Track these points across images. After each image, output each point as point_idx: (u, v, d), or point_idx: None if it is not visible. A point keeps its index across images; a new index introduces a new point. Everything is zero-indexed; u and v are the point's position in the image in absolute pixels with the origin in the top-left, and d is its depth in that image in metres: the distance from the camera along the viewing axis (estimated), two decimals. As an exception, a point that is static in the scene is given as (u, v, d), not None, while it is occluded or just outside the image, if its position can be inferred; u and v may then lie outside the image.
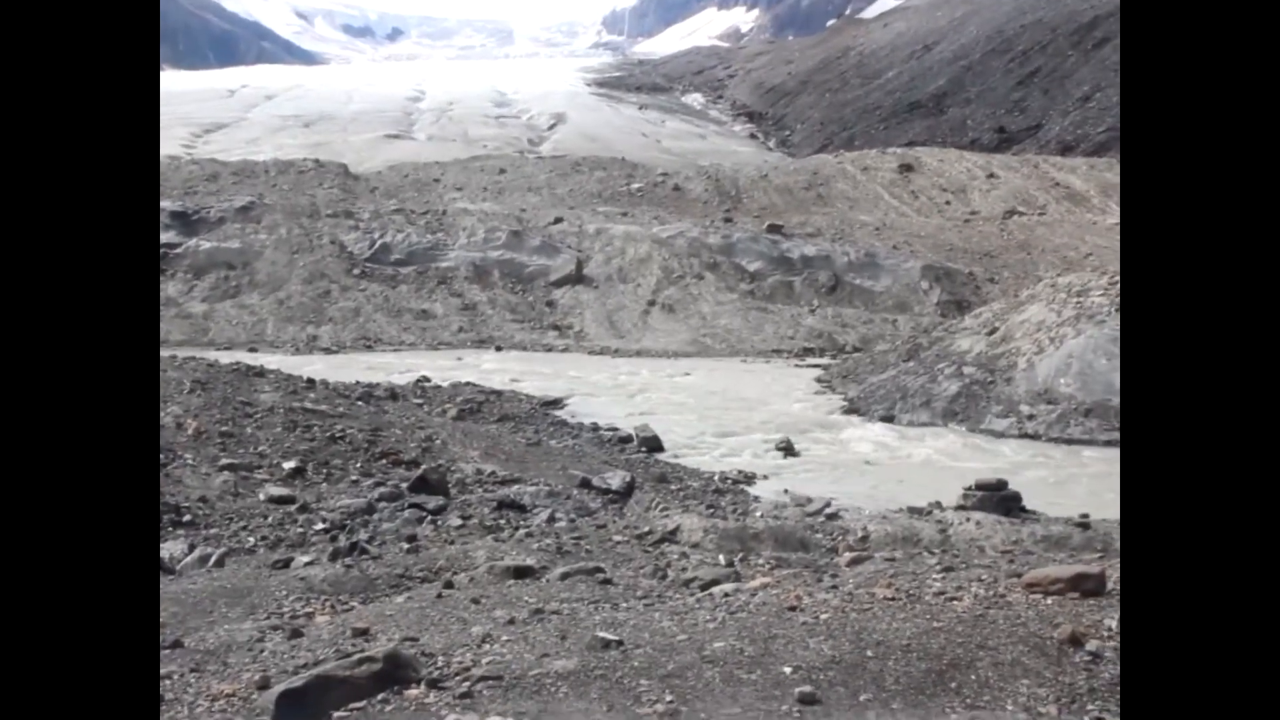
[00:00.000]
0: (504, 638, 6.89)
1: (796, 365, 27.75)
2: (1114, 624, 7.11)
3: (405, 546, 10.61)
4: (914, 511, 13.42)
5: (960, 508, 13.53)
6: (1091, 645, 6.80)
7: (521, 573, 9.20)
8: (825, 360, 28.01)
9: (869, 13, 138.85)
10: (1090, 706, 6.13)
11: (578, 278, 34.71)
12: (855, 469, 17.20)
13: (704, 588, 8.83)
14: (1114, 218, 41.27)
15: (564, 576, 9.12)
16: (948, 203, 43.69)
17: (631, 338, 31.23)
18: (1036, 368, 20.49)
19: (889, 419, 20.37)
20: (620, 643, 6.66)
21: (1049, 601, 7.52)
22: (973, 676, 6.32)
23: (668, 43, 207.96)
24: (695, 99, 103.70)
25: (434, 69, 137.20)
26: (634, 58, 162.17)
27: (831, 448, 18.57)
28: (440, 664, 6.39)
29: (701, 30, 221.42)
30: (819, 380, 24.57)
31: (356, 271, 34.61)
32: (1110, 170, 47.27)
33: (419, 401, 19.56)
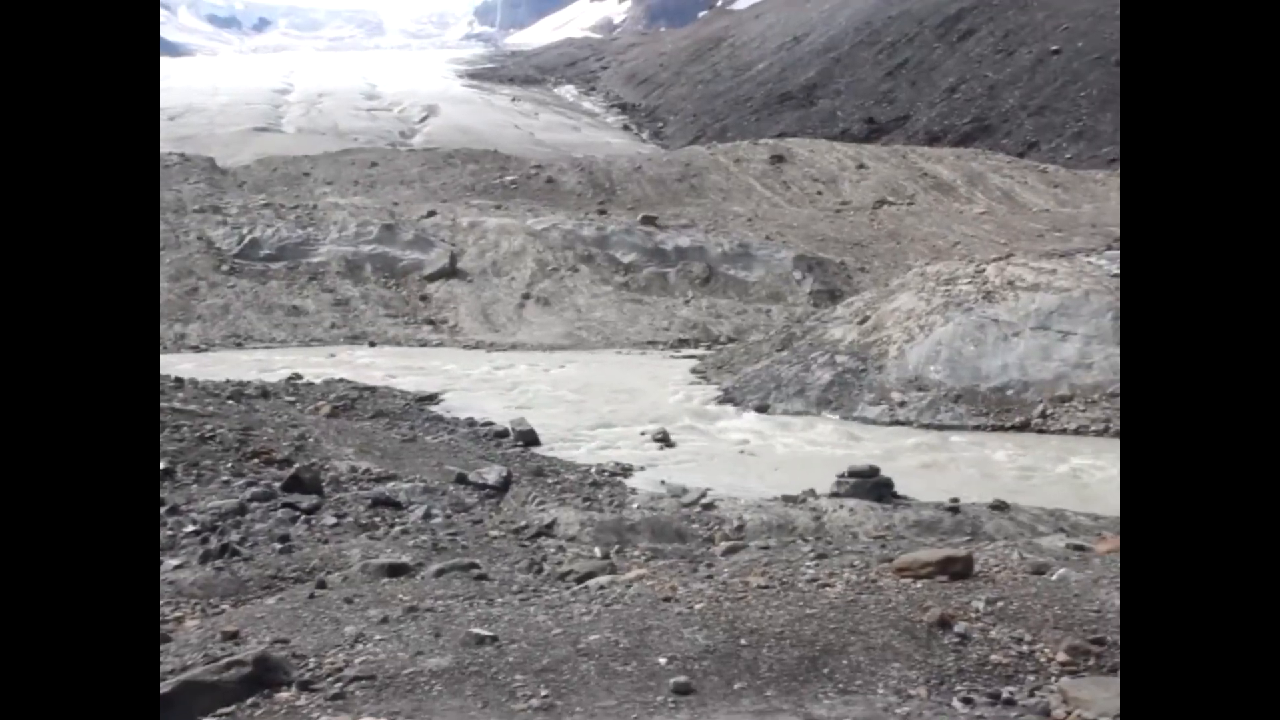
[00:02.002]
0: (377, 637, 6.82)
1: (672, 356, 27.86)
2: (981, 605, 7.26)
3: (278, 547, 10.44)
4: (789, 500, 13.56)
5: (834, 495, 13.72)
6: (960, 627, 6.94)
7: (396, 570, 9.12)
8: (700, 351, 28.16)
9: (740, 4, 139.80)
10: (959, 687, 6.25)
11: (451, 271, 34.46)
12: (731, 459, 17.32)
13: (580, 581, 8.83)
14: (980, 206, 42.07)
15: (439, 573, 9.06)
16: (819, 193, 44.18)
17: (507, 331, 31.09)
18: (907, 355, 20.82)
19: (764, 408, 20.55)
20: (495, 638, 6.64)
21: (919, 585, 7.66)
22: (844, 661, 6.41)
23: (540, 34, 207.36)
24: (568, 91, 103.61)
25: (303, 60, 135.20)
26: (506, 49, 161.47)
27: (707, 438, 18.68)
28: (312, 665, 6.30)
29: (574, 21, 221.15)
30: (694, 371, 24.70)
31: (225, 268, 33.97)
32: (976, 160, 48.18)
33: (291, 399, 19.26)
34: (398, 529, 11.41)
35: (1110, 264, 26.95)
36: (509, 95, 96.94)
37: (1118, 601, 7.39)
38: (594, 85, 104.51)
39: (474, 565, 9.43)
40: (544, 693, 5.87)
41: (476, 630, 6.76)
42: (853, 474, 14.05)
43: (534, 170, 46.17)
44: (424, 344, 29.92)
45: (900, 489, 14.11)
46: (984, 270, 23.13)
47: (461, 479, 13.84)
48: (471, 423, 18.73)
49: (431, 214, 38.04)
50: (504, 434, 17.85)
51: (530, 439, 17.57)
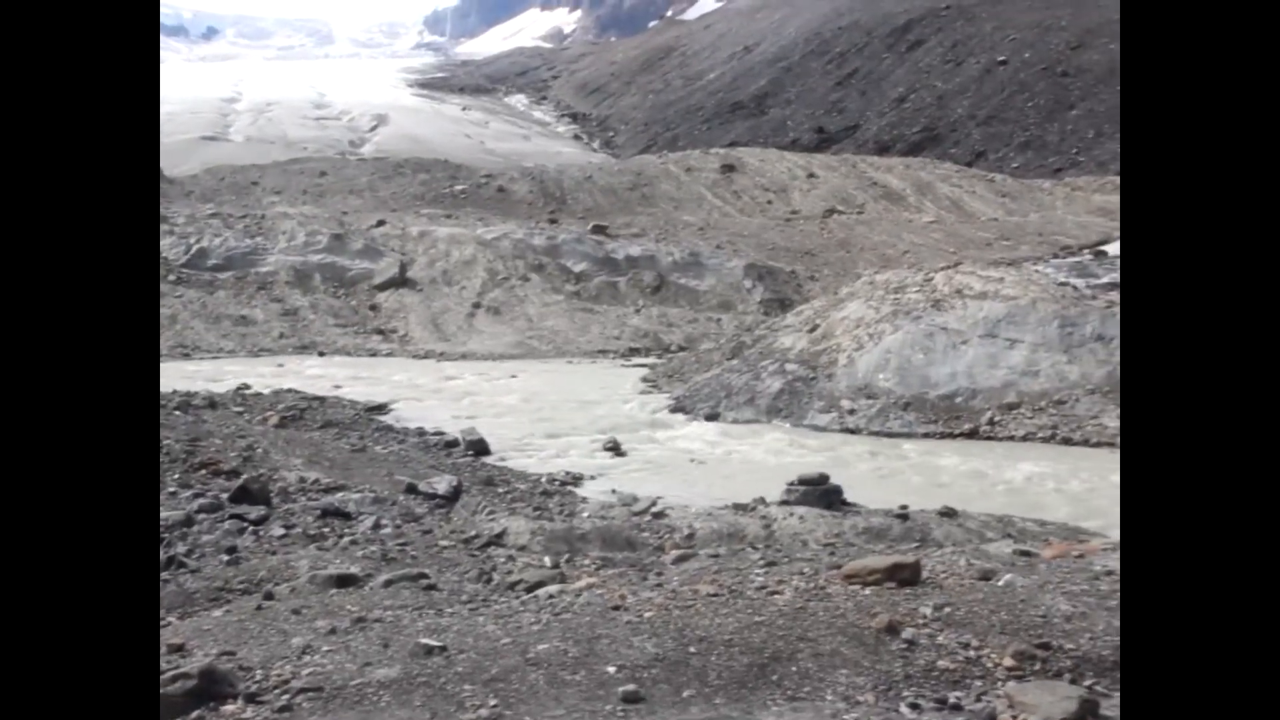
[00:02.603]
0: (325, 648, 6.77)
1: (623, 365, 27.87)
2: (929, 611, 7.30)
3: (225, 559, 10.35)
4: (739, 508, 13.58)
5: (784, 503, 13.74)
6: (907, 633, 6.98)
7: (344, 581, 9.07)
8: (651, 360, 28.19)
9: (690, 14, 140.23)
10: (906, 692, 6.28)
11: (401, 281, 34.34)
12: (682, 467, 17.34)
13: (529, 590, 8.82)
14: (929, 215, 42.37)
15: (388, 584, 9.02)
16: (769, 202, 44.34)
17: (457, 340, 31.00)
18: (856, 363, 20.93)
19: (714, 417, 20.59)
20: (444, 648, 6.61)
21: (867, 592, 7.69)
22: (793, 668, 6.42)
23: (491, 43, 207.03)
24: (519, 100, 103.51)
25: (251, 69, 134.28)
26: (457, 58, 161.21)
27: (658, 447, 18.69)
28: (259, 677, 6.25)
29: (525, 31, 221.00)
30: (645, 380, 24.72)
31: (172, 278, 33.69)
32: (924, 169, 48.53)
33: (239, 410, 19.11)
34: (347, 540, 11.35)
35: (1056, 272, 27.22)
36: (459, 104, 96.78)
37: (1064, 606, 7.46)
38: (545, 94, 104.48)
39: (423, 575, 9.40)
40: (493, 702, 5.86)
41: (425, 640, 6.73)
42: (803, 482, 14.08)
43: (484, 179, 46.09)
44: (374, 354, 29.79)
45: (850, 496, 14.16)
46: (932, 279, 23.31)
47: (411, 489, 13.78)
48: (421, 432, 18.67)
49: (381, 223, 37.89)
50: (454, 443, 17.80)
51: (481, 448, 17.53)
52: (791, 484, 14.12)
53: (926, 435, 19.16)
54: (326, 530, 11.76)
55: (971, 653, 6.77)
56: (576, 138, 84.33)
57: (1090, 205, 43.86)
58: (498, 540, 11.60)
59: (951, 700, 6.21)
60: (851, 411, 19.90)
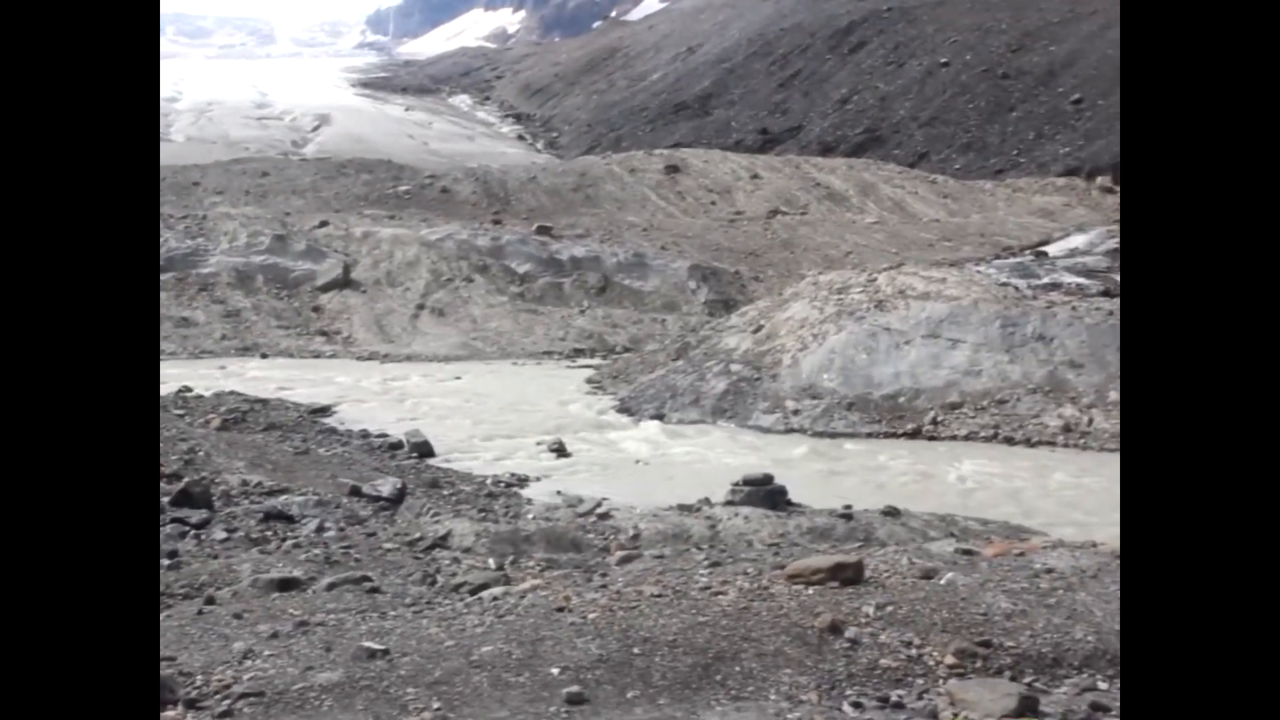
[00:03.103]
0: (267, 652, 6.73)
1: (568, 366, 27.83)
2: (871, 610, 7.36)
3: (166, 563, 10.25)
4: (684, 509, 13.63)
5: (729, 503, 13.80)
6: (850, 632, 7.03)
7: (287, 585, 9.01)
8: (596, 361, 28.15)
9: (634, 15, 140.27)
10: (849, 691, 6.34)
11: (345, 282, 34.09)
12: (627, 468, 17.36)
13: (473, 592, 8.80)
14: (872, 216, 42.59)
15: (330, 587, 8.98)
16: (713, 203, 44.40)
17: (401, 342, 30.82)
18: (801, 364, 21.02)
19: (659, 417, 20.62)
20: (386, 652, 6.59)
21: (810, 591, 7.74)
22: (737, 668, 6.46)
23: (434, 43, 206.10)
24: (462, 100, 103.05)
25: (192, 68, 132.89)
26: (400, 58, 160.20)
27: (603, 448, 18.70)
28: (199, 683, 6.21)
29: (468, 31, 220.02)
30: (590, 381, 24.70)
31: (112, 279, 33.24)
32: (867, 170, 48.77)
33: (180, 413, 18.92)
34: (289, 543, 11.28)
35: (998, 272, 27.49)
36: (402, 105, 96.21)
37: (1004, 604, 7.53)
38: (488, 95, 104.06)
39: (367, 578, 9.36)
40: (436, 705, 5.85)
41: (368, 644, 6.71)
42: (747, 482, 14.14)
43: (428, 180, 45.83)
44: (317, 355, 29.57)
45: (794, 496, 14.23)
46: (876, 279, 23.45)
47: (355, 492, 13.72)
48: (365, 435, 18.57)
49: (324, 224, 37.60)
50: (399, 446, 17.72)
51: (425, 450, 17.46)
52: (736, 484, 14.18)
53: (870, 435, 19.27)
54: (269, 534, 11.69)
55: (913, 651, 6.83)
56: (520, 138, 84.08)
57: (1031, 206, 44.26)
58: (442, 542, 11.57)
59: (894, 699, 6.26)
60: (796, 412, 19.99)
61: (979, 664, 6.77)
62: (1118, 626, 7.35)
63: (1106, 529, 13.81)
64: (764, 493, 13.92)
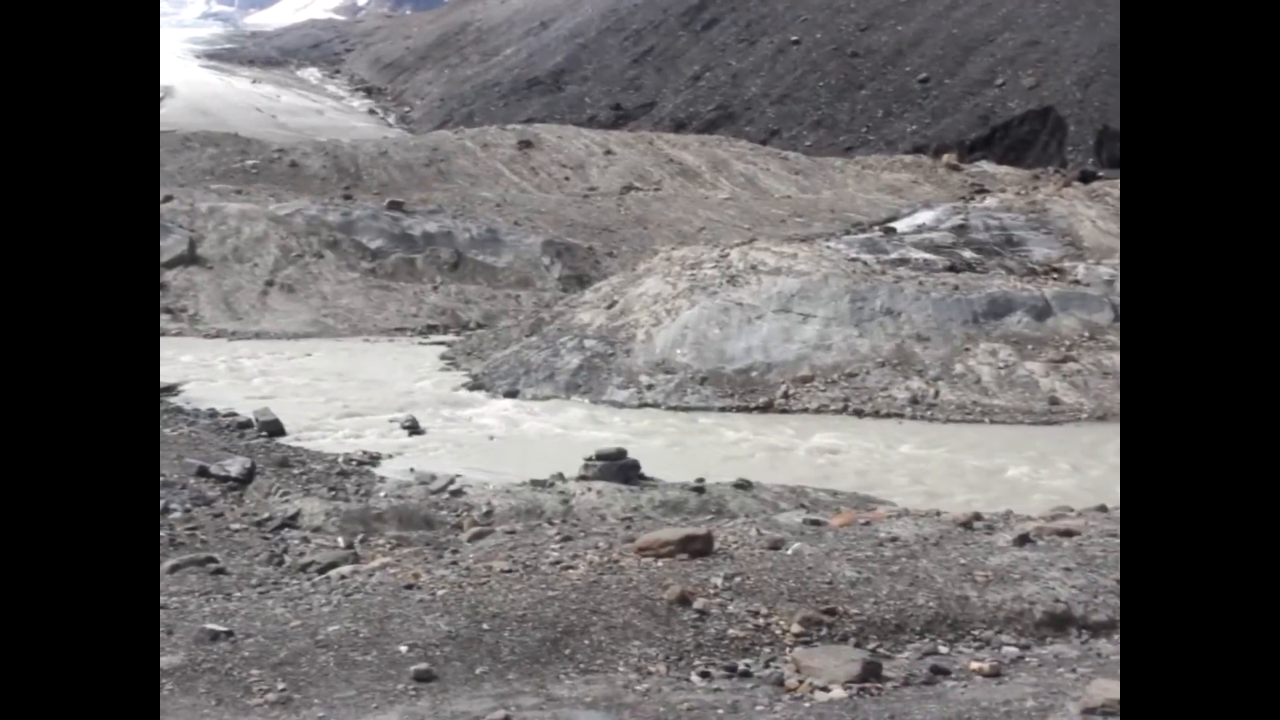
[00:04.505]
0: (106, 637, 6.57)
1: (420, 343, 27.60)
2: (719, 581, 7.43)
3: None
4: (537, 484, 13.63)
5: (582, 478, 13.84)
6: (698, 603, 7.10)
7: (128, 568, 8.80)
8: (449, 337, 27.97)
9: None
10: (697, 661, 6.40)
11: (190, 258, 33.28)
12: (480, 444, 17.30)
13: (322, 571, 8.71)
14: (724, 192, 42.91)
15: (174, 569, 8.80)
16: (567, 179, 44.34)
17: (250, 319, 30.25)
18: (654, 339, 21.12)
19: (513, 394, 20.56)
20: (230, 633, 6.48)
21: (660, 564, 7.79)
22: (586, 641, 6.48)
23: (282, 14, 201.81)
24: (312, 73, 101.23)
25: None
26: (246, 29, 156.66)
27: (457, 425, 18.59)
28: (34, 670, 6.03)
29: (317, 3, 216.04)
30: (443, 358, 24.53)
31: (-57, 256, 32.09)
32: (720, 146, 49.08)
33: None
34: (132, 525, 11.02)
35: (848, 248, 27.90)
36: (249, 77, 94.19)
37: (849, 573, 7.67)
38: (338, 68, 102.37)
39: (211, 559, 9.20)
40: (281, 686, 5.77)
41: (211, 626, 6.59)
42: (600, 457, 14.20)
43: (276, 154, 44.98)
44: (162, 333, 28.88)
45: (648, 470, 14.32)
46: (728, 255, 23.65)
47: (202, 472, 13.44)
48: (213, 414, 18.18)
49: (168, 199, 36.69)
50: (247, 425, 17.39)
51: (275, 429, 17.16)
52: (590, 459, 14.23)
53: (724, 409, 19.46)
54: (110, 516, 11.41)
55: (761, 620, 6.92)
56: (371, 112, 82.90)
57: (880, 183, 45.00)
58: (291, 522, 11.41)
59: (741, 667, 6.34)
60: (650, 387, 20.09)
61: (824, 631, 6.89)
62: (958, 593, 7.54)
63: (951, 498, 14.17)
64: (617, 467, 13.99)
